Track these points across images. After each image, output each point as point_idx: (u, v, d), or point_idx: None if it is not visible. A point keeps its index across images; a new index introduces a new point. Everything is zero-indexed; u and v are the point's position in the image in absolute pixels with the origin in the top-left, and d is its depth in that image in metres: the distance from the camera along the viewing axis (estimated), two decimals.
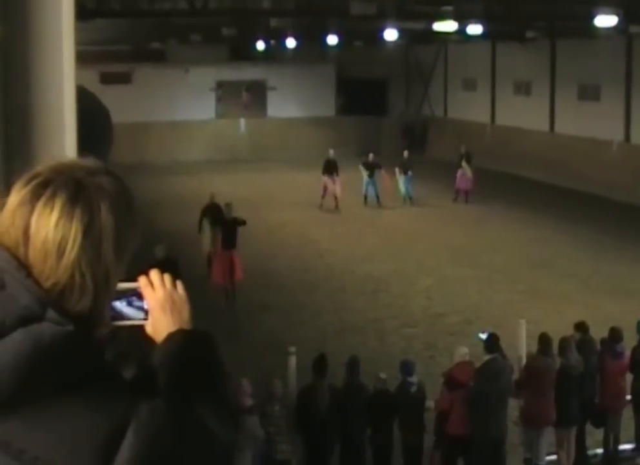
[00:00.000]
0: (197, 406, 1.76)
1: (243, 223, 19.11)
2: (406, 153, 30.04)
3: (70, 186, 1.67)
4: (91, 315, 1.69)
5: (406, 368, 11.47)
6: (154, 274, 1.92)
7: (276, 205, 28.92)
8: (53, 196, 1.66)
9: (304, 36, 32.92)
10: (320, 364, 11.39)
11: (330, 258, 22.51)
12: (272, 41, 36.42)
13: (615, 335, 11.87)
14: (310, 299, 19.21)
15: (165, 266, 15.52)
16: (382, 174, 29.19)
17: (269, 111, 42.93)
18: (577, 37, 29.49)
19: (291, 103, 42.10)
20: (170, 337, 1.86)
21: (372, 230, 25.73)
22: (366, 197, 29.20)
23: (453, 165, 30.99)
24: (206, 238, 20.41)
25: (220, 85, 42.09)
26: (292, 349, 11.77)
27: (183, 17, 28.74)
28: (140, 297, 1.89)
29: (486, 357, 11.17)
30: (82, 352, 1.64)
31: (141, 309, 1.89)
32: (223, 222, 19.23)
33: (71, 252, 1.66)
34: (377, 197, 29.05)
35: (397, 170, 29.59)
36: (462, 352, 11.65)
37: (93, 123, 2.59)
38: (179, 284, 1.93)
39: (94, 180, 1.70)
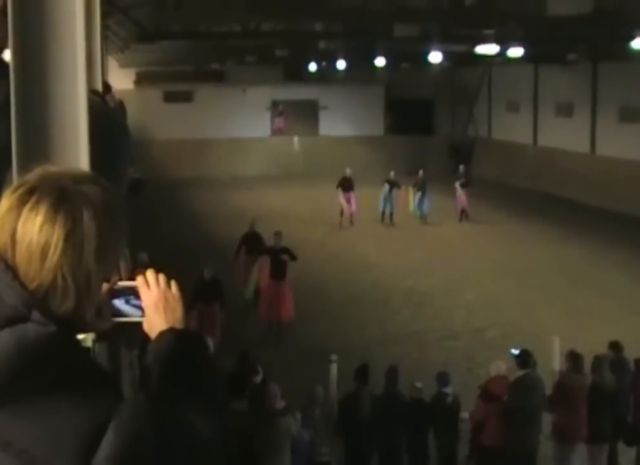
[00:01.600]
0: (183, 404, 1.76)
1: (293, 257, 16.97)
2: (421, 172, 29.55)
3: (54, 194, 1.70)
4: (74, 316, 1.72)
5: (442, 379, 11.42)
6: (150, 273, 1.94)
7: (327, 219, 28.82)
8: (37, 202, 1.69)
9: (353, 57, 33.02)
10: (362, 373, 11.43)
11: (377, 271, 22.33)
12: (323, 63, 36.55)
13: None
14: (355, 311, 19.05)
15: (211, 286, 15.72)
16: (399, 193, 28.97)
17: (321, 129, 43.03)
18: (617, 59, 29.02)
19: (341, 122, 42.22)
20: (161, 335, 1.88)
21: (417, 245, 25.53)
22: (383, 213, 28.98)
23: (497, 183, 30.71)
24: (254, 273, 18.28)
25: (275, 104, 42.29)
26: (334, 357, 11.82)
27: (239, 39, 28.93)
28: (137, 296, 1.92)
29: (520, 372, 11.05)
30: (64, 352, 1.66)
31: (138, 307, 1.92)
32: (272, 252, 17.25)
33: (54, 255, 1.69)
34: (391, 214, 28.84)
35: (411, 188, 29.39)
36: (499, 366, 11.51)
37: (111, 139, 2.55)
38: (173, 284, 1.95)
39: (79, 188, 1.73)
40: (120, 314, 1.92)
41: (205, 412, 1.77)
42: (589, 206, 31.05)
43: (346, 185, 28.76)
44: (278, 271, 16.91)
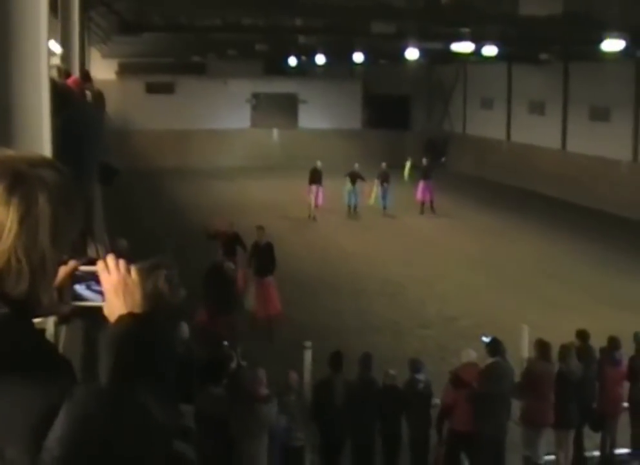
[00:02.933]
0: (138, 388, 1.73)
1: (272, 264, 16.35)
2: (383, 165, 29.39)
3: (9, 177, 1.67)
4: (29, 299, 1.69)
5: (415, 366, 11.46)
6: (110, 258, 1.92)
7: (305, 210, 28.84)
8: None
9: (333, 53, 33.01)
10: (336, 360, 11.44)
11: (353, 262, 22.40)
12: (303, 57, 36.52)
13: (614, 344, 11.73)
14: (332, 299, 19.11)
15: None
16: (363, 185, 28.86)
17: (300, 122, 43.03)
18: (588, 60, 29.21)
19: (320, 115, 42.29)
20: (119, 319, 1.86)
21: (393, 237, 25.63)
22: (349, 207, 28.90)
23: (471, 177, 30.86)
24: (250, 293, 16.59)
25: (255, 97, 42.24)
26: (308, 343, 11.80)
27: (220, 33, 28.86)
28: (98, 281, 1.91)
29: (489, 360, 11.13)
30: (16, 334, 1.64)
31: (99, 292, 1.90)
32: (256, 247, 16.50)
33: (8, 238, 1.66)
34: (355, 206, 28.75)
35: (375, 181, 29.24)
36: (470, 354, 11.60)
37: (82, 129, 2.57)
38: (133, 269, 1.93)
39: (35, 171, 1.70)
40: (81, 299, 1.90)
41: (159, 396, 1.75)
42: (560, 200, 31.29)
43: (316, 177, 28.64)
44: (263, 267, 16.30)
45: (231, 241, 16.76)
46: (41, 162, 1.74)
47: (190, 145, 40.37)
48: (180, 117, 40.49)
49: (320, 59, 34.40)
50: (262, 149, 41.27)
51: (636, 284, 20.29)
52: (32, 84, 2.61)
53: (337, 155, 36.02)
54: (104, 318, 1.90)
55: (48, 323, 2.25)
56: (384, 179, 29.16)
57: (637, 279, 20.78)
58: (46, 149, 2.61)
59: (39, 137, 2.62)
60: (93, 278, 1.91)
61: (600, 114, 31.19)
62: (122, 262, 1.92)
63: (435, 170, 30.49)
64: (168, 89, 41.28)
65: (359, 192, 28.88)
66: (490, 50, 25.88)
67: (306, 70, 40.48)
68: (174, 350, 2.06)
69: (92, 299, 1.91)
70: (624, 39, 20.26)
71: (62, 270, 1.86)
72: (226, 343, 12.17)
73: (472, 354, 11.54)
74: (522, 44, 28.18)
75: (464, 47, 24.62)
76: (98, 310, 1.91)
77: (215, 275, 14.94)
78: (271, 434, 10.33)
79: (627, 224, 27.32)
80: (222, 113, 41.36)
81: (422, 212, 29.34)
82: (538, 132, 34.52)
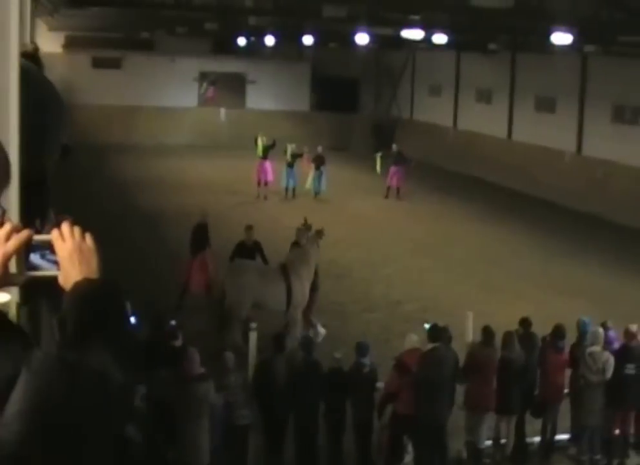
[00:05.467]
0: (94, 351, 1.71)
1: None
2: (320, 148, 28.98)
3: None
4: None
5: (361, 349, 11.43)
6: (65, 226, 1.88)
7: (252, 190, 28.64)
8: None
9: (282, 35, 32.76)
10: (278, 341, 11.43)
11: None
12: (252, 38, 36.24)
13: (558, 331, 11.84)
14: None
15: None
16: (302, 161, 28.32)
17: (248, 103, 42.78)
18: (536, 51, 29.47)
19: (268, 96, 42.07)
20: (76, 286, 1.82)
21: (340, 219, 25.59)
22: (287, 189, 28.42)
23: (417, 162, 30.94)
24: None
25: (203, 76, 41.86)
26: (253, 325, 11.75)
27: (169, 10, 28.39)
28: (53, 250, 1.87)
29: (429, 346, 11.16)
30: None
31: (54, 261, 1.87)
32: (242, 247, 16.01)
33: None
34: (294, 189, 28.30)
35: (311, 164, 28.70)
36: (413, 339, 11.66)
37: (47, 107, 2.44)
38: (88, 236, 1.90)
39: None
40: (36, 268, 1.86)
41: (117, 357, 1.74)
42: (505, 188, 31.56)
43: (265, 153, 28.26)
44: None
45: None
46: None
47: (136, 122, 39.88)
48: (127, 93, 39.98)
49: (269, 40, 34.20)
50: (209, 128, 40.97)
51: (575, 271, 20.58)
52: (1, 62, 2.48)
53: (285, 137, 35.83)
54: (59, 288, 1.86)
55: (10, 306, 2.14)
56: (319, 162, 28.72)
57: (577, 266, 21.08)
58: (12, 131, 2.48)
59: (5, 119, 2.49)
60: (48, 247, 1.86)
61: (545, 105, 31.51)
62: (77, 229, 1.88)
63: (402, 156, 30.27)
64: (115, 64, 40.72)
65: (296, 174, 28.36)
66: (439, 38, 25.95)
67: (255, 50, 40.20)
68: (128, 314, 1.99)
69: (47, 269, 1.86)
70: (573, 33, 20.45)
71: (17, 239, 1.81)
72: (173, 322, 12.03)
73: (414, 339, 11.57)
74: (471, 34, 28.29)
75: (414, 34, 24.63)
76: (53, 280, 1.87)
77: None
78: (211, 414, 10.25)
79: (569, 213, 27.69)
80: (170, 91, 40.98)
81: (387, 196, 29.27)
82: (485, 120, 34.76)
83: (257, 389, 11.01)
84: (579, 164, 29.40)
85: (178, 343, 11.03)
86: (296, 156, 28.25)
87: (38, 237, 1.85)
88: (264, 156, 28.37)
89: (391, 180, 29.40)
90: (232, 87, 42.01)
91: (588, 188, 28.12)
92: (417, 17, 23.12)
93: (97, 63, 40.33)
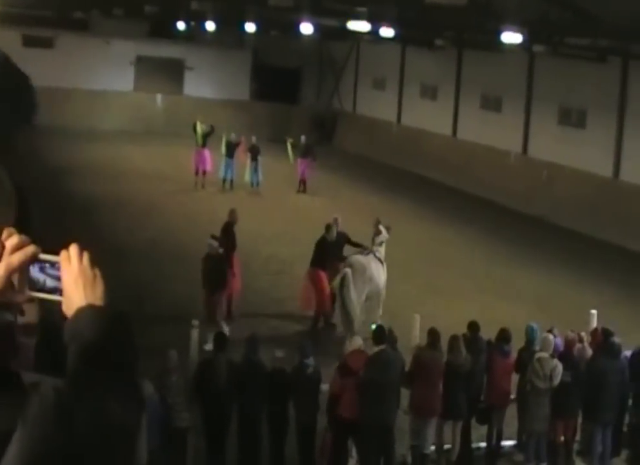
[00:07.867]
0: (98, 387, 1.63)
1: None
2: (254, 138, 28.64)
3: None
4: None
5: (304, 350, 11.38)
6: (73, 248, 1.80)
7: (188, 178, 28.33)
8: None
9: (223, 21, 32.45)
10: (219, 340, 11.36)
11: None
12: (192, 23, 35.86)
13: (504, 336, 11.94)
14: None
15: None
16: (238, 150, 28.01)
17: (185, 89, 42.35)
18: (483, 49, 29.69)
19: (207, 83, 41.71)
20: (78, 312, 1.72)
21: (279, 213, 25.49)
22: (224, 180, 28.13)
23: (359, 157, 30.96)
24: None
25: (139, 59, 41.26)
26: (195, 322, 11.63)
27: None
28: (60, 271, 1.80)
29: (375, 348, 11.19)
30: None
31: (54, 276, 1.81)
32: (324, 243, 17.12)
33: None
34: (232, 181, 28.02)
35: (247, 154, 28.32)
36: (357, 341, 11.69)
37: (18, 90, 2.32)
38: (95, 264, 1.82)
39: None
40: (42, 289, 1.79)
41: (123, 395, 1.65)
42: (449, 187, 31.66)
43: (203, 141, 27.88)
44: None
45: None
46: None
47: (68, 104, 39.06)
48: (59, 74, 39.13)
49: (210, 25, 33.87)
50: (144, 114, 40.47)
51: (519, 274, 20.81)
52: None
53: (223, 126, 35.55)
54: (62, 314, 1.77)
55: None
56: (255, 153, 28.37)
57: (521, 269, 21.32)
58: None
59: None
60: (54, 266, 1.80)
61: (492, 104, 31.79)
62: (85, 254, 1.80)
63: (316, 148, 30.20)
64: (46, 44, 39.91)
65: (234, 165, 28.08)
66: (386, 32, 26.02)
67: (195, 35, 39.79)
68: (135, 348, 1.87)
69: (52, 290, 1.79)
70: (522, 32, 20.69)
71: (22, 254, 1.73)
72: None
73: (358, 341, 11.60)
74: (418, 29, 28.40)
75: (360, 26, 24.65)
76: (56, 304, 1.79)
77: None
78: (148, 415, 10.06)
79: (514, 215, 27.94)
80: (105, 74, 40.31)
81: (299, 190, 29.05)
82: (429, 117, 34.89)
83: (197, 389, 10.90)
84: (524, 165, 29.73)
85: None
86: (231, 145, 27.92)
87: (44, 257, 1.79)
88: (203, 144, 28.08)
89: (300, 173, 29.06)
90: (169, 73, 41.53)
91: (533, 189, 28.47)
92: (363, 9, 23.12)
93: (28, 42, 39.40)
